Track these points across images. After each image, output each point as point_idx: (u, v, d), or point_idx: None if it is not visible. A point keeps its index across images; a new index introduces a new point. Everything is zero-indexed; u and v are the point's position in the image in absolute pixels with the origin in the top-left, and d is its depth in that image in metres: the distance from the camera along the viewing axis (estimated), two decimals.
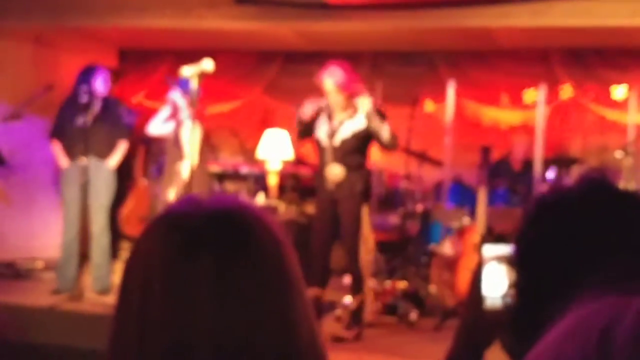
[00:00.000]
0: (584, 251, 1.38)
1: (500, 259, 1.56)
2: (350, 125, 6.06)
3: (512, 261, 1.52)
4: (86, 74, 7.05)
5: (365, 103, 5.93)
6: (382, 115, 6.04)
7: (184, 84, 7.03)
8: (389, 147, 6.11)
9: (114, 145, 7.12)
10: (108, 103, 7.16)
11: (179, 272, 1.08)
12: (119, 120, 7.20)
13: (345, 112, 6.07)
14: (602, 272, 1.32)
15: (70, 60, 8.56)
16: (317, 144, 6.20)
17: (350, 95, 6.03)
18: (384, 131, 5.96)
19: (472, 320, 1.71)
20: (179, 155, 6.61)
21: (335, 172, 6.02)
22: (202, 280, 1.08)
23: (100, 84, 7.03)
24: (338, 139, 6.03)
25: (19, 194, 8.59)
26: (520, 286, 1.48)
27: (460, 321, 1.79)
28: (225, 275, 1.08)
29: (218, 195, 1.20)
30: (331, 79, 6.01)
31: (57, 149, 7.13)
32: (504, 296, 1.57)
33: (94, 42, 9.42)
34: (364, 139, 6.08)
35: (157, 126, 7.18)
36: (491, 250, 1.60)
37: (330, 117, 6.12)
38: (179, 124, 6.88)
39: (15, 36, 8.63)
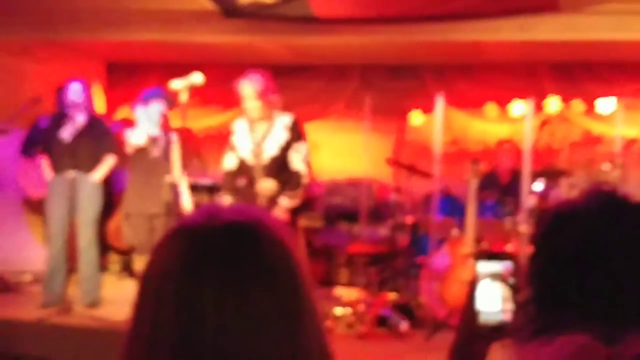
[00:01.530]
0: (598, 264, 1.40)
1: (494, 276, 1.58)
2: (274, 141, 5.92)
3: (505, 278, 1.54)
4: (64, 88, 7.02)
5: (286, 117, 5.92)
6: (298, 134, 5.94)
7: (156, 93, 7.07)
8: (294, 182, 5.89)
9: (99, 159, 7.08)
10: (93, 117, 7.13)
11: (189, 282, 1.10)
12: (104, 135, 7.15)
13: (262, 122, 5.93)
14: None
15: (57, 74, 8.54)
16: (241, 161, 6.02)
17: (268, 105, 5.90)
18: (297, 158, 5.87)
19: (467, 335, 1.73)
20: (162, 168, 6.63)
21: (267, 186, 5.86)
22: (207, 291, 1.09)
23: (76, 95, 6.95)
24: (266, 157, 5.90)
25: (6, 207, 8.56)
26: (534, 297, 1.50)
27: (455, 336, 1.81)
28: (232, 286, 1.10)
29: (236, 207, 1.21)
30: (250, 85, 5.87)
31: (43, 163, 7.08)
32: (499, 312, 1.59)
33: (82, 55, 9.41)
34: (287, 151, 5.94)
35: (139, 137, 7.17)
36: (485, 267, 1.61)
37: (248, 128, 6.00)
38: (162, 137, 6.89)
39: (2, 49, 8.61)
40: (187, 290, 1.10)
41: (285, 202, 5.82)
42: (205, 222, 1.15)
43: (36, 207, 7.98)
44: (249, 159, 5.94)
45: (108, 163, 7.10)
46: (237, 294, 1.10)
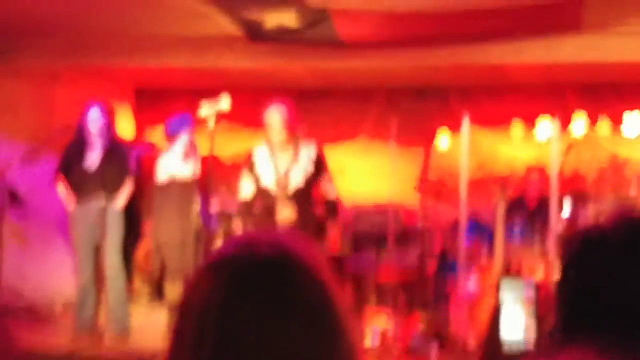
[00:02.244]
0: (627, 292, 1.40)
1: (517, 300, 1.57)
2: (300, 171, 5.96)
3: (530, 302, 1.53)
4: (83, 112, 7.01)
5: (311, 149, 6.03)
6: (324, 165, 6.10)
7: (184, 122, 7.12)
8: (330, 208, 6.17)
9: (120, 185, 7.05)
10: (114, 142, 7.12)
11: (230, 317, 1.11)
12: (125, 160, 7.15)
13: (285, 152, 5.97)
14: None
15: (86, 99, 8.60)
16: (262, 191, 6.01)
17: (292, 134, 5.97)
18: (331, 188, 6.15)
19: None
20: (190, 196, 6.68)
21: (286, 214, 5.87)
22: (250, 327, 1.10)
23: (94, 123, 6.95)
24: (291, 188, 5.92)
25: (36, 234, 8.61)
26: (561, 325, 1.49)
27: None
28: (275, 323, 1.11)
29: (275, 236, 1.22)
30: (278, 113, 5.93)
31: (62, 190, 7.09)
32: (522, 341, 1.58)
33: (110, 81, 9.48)
34: (313, 182, 6.02)
35: (170, 167, 7.24)
36: (509, 293, 1.61)
37: (270, 156, 6.02)
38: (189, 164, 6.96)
39: (32, 76, 8.68)
40: (229, 326, 1.11)
41: (332, 231, 6.02)
42: (245, 255, 1.16)
43: None
44: (272, 188, 5.93)
45: (127, 188, 7.06)
46: (279, 331, 1.11)
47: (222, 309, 1.12)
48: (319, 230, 6.12)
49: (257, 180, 5.99)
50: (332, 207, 6.13)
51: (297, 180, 5.91)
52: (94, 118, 6.91)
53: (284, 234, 1.25)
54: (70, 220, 7.09)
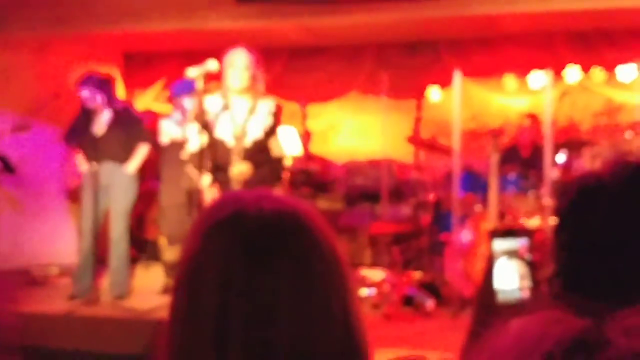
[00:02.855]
0: (626, 238, 1.38)
1: (511, 253, 1.57)
2: (259, 124, 5.55)
3: (522, 255, 1.53)
4: (76, 84, 7.02)
5: (270, 102, 5.60)
6: (279, 121, 5.69)
7: (188, 87, 7.09)
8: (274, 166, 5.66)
9: (131, 150, 7.07)
10: (122, 108, 7.13)
11: (260, 281, 1.11)
12: (135, 124, 7.15)
13: (243, 102, 5.51)
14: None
15: (75, 67, 8.58)
16: (215, 143, 5.52)
17: (254, 81, 5.51)
18: (278, 145, 5.62)
19: (485, 314, 1.72)
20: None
21: (242, 170, 5.45)
22: (282, 286, 1.11)
23: (89, 101, 6.93)
24: (249, 140, 5.49)
25: (30, 201, 8.64)
26: (558, 273, 1.48)
27: (473, 315, 1.80)
28: (302, 277, 1.13)
29: (271, 195, 1.22)
30: (243, 56, 5.48)
31: (79, 158, 7.11)
32: (517, 290, 1.58)
33: (98, 47, 9.45)
34: (271, 136, 5.62)
35: (171, 130, 7.27)
36: (501, 244, 1.60)
37: (226, 106, 5.51)
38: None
39: (20, 46, 8.65)
40: (261, 286, 1.11)
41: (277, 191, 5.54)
42: (251, 212, 1.16)
43: (75, 196, 8.04)
44: (229, 142, 5.49)
45: (142, 152, 7.09)
46: (307, 284, 1.13)
47: (250, 264, 1.12)
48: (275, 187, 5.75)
49: (209, 131, 5.53)
50: (277, 165, 5.66)
51: (256, 132, 5.50)
52: (86, 96, 6.91)
53: (277, 194, 1.25)
54: (82, 184, 7.12)
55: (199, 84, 5.42)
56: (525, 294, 1.57)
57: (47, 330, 6.19)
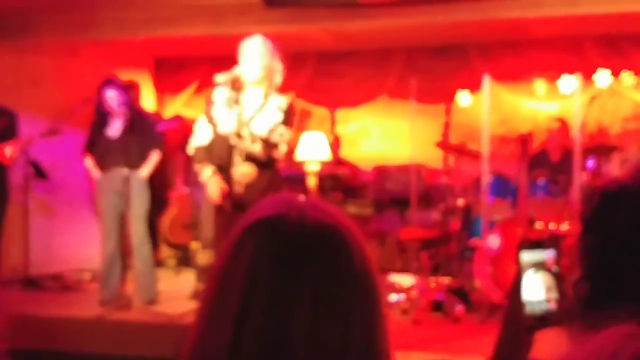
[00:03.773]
0: None
1: (538, 265, 1.57)
2: (265, 121, 5.20)
3: (549, 266, 1.53)
4: (100, 88, 7.08)
5: (283, 99, 5.29)
6: (290, 121, 5.32)
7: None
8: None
9: (146, 156, 7.13)
10: (137, 114, 7.20)
11: (284, 283, 1.12)
12: (149, 131, 7.22)
13: (253, 95, 5.22)
14: None
15: (106, 72, 8.65)
16: (221, 140, 5.22)
17: (270, 73, 5.25)
18: (283, 144, 5.25)
19: (513, 327, 1.72)
20: None
21: (245, 172, 5.17)
22: (305, 293, 1.12)
23: (112, 101, 7.00)
24: (253, 138, 5.14)
25: (62, 207, 8.73)
26: (583, 278, 1.49)
27: (501, 327, 1.80)
28: (327, 289, 1.13)
29: (313, 201, 1.23)
30: (262, 42, 5.27)
31: (89, 162, 7.18)
32: (544, 301, 1.58)
33: (129, 52, 9.53)
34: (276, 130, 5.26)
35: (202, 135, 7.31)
36: (528, 256, 1.61)
37: (234, 99, 5.18)
38: None
39: (51, 51, 8.75)
40: (284, 288, 1.12)
41: (284, 148, 5.24)
42: (292, 218, 1.17)
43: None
44: (231, 138, 5.15)
45: (154, 159, 7.15)
46: (332, 295, 1.13)
47: (277, 271, 1.13)
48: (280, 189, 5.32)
49: (214, 125, 5.26)
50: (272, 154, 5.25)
51: (260, 130, 5.17)
52: (111, 96, 6.98)
53: (320, 200, 1.26)
54: (97, 190, 7.18)
55: (227, 90, 5.29)
56: (552, 306, 1.58)
57: (78, 335, 6.25)
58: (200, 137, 5.31)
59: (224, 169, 5.19)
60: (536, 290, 1.60)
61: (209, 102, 5.35)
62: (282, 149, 5.24)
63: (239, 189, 5.17)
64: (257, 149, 5.10)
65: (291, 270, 1.12)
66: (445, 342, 5.97)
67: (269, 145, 5.14)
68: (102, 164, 7.05)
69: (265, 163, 5.22)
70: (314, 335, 1.10)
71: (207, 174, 5.18)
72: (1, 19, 8.01)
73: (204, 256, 7.36)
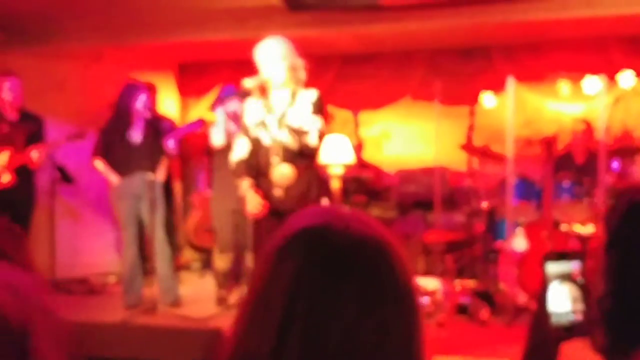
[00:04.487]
0: None
1: (564, 277, 1.57)
2: (298, 115, 5.07)
3: (575, 278, 1.53)
4: (128, 94, 7.13)
5: (312, 92, 5.14)
6: (321, 111, 5.16)
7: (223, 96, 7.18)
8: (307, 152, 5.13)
9: (159, 160, 7.20)
10: (154, 119, 7.25)
11: (329, 292, 1.13)
12: (162, 135, 7.29)
13: (282, 96, 5.11)
14: None
15: (130, 76, 8.70)
16: (260, 148, 5.13)
17: (293, 71, 5.13)
18: (314, 130, 5.08)
19: (540, 338, 1.72)
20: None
21: (285, 173, 5.03)
22: (348, 303, 1.13)
23: (142, 104, 7.08)
24: (288, 135, 5.03)
25: (87, 210, 8.79)
26: (615, 287, 1.48)
27: (527, 338, 1.80)
28: (370, 300, 1.14)
29: (356, 215, 1.24)
30: (276, 44, 5.14)
31: (103, 167, 7.22)
32: (570, 312, 1.58)
33: (154, 57, 9.58)
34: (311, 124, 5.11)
35: (220, 138, 7.32)
36: (554, 268, 1.61)
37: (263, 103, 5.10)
38: (231, 136, 6.94)
39: (75, 56, 8.82)
40: (328, 297, 1.13)
41: (315, 139, 5.08)
42: (338, 228, 1.18)
43: None
44: (265, 140, 5.08)
45: (164, 163, 7.22)
46: (375, 306, 1.14)
47: (320, 283, 1.14)
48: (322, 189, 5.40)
49: (250, 137, 5.18)
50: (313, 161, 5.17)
51: (294, 124, 5.04)
52: (142, 100, 7.04)
53: (362, 213, 1.27)
54: (114, 195, 7.21)
55: (255, 94, 5.23)
56: (578, 317, 1.58)
57: (103, 339, 6.27)
58: (238, 151, 5.24)
59: (263, 174, 5.09)
60: (562, 301, 1.60)
61: (239, 116, 5.35)
62: (314, 134, 5.06)
63: (278, 192, 5.05)
64: (290, 142, 5.02)
65: (336, 279, 1.13)
66: (470, 346, 5.95)
67: (298, 134, 5.02)
68: (122, 169, 7.09)
69: (305, 165, 5.11)
70: (355, 344, 1.11)
71: (244, 187, 5.11)
72: (27, 25, 8.09)
73: (221, 260, 7.38)
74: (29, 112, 7.23)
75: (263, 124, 5.06)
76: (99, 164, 7.22)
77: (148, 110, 7.10)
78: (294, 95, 5.12)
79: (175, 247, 7.65)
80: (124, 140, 7.06)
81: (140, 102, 7.04)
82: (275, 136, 5.03)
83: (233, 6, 7.56)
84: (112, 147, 7.13)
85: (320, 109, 5.14)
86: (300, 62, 5.18)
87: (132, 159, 7.03)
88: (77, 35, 8.21)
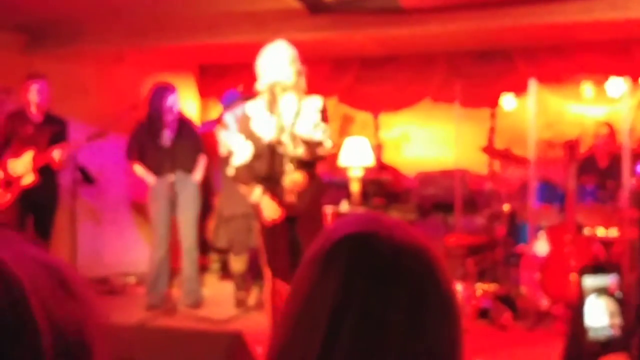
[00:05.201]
0: None
1: (601, 290, 1.55)
2: (306, 123, 5.09)
3: (612, 292, 1.51)
4: (158, 95, 7.20)
5: (316, 99, 5.16)
6: (326, 118, 5.19)
7: (228, 100, 7.20)
8: (321, 157, 5.20)
9: (196, 161, 7.27)
10: (182, 120, 7.32)
11: (376, 300, 1.12)
12: (196, 136, 7.37)
13: (288, 101, 5.08)
14: None
15: (151, 78, 8.73)
16: (266, 152, 5.10)
17: (299, 75, 5.10)
18: (327, 140, 5.13)
19: (577, 352, 1.71)
20: None
21: (296, 179, 5.03)
22: (396, 310, 1.12)
23: (173, 102, 7.15)
24: (299, 144, 5.04)
25: (108, 211, 8.83)
26: None
27: (564, 353, 1.78)
28: (417, 307, 1.13)
29: (399, 222, 1.23)
30: (284, 48, 5.09)
31: (140, 169, 7.29)
32: (607, 327, 1.56)
33: (175, 59, 9.60)
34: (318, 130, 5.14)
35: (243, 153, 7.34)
36: (591, 282, 1.59)
37: (270, 107, 5.06)
38: None
39: (98, 58, 8.86)
40: (376, 305, 1.12)
41: (329, 143, 5.14)
42: (383, 236, 1.17)
43: (142, 209, 8.20)
44: (277, 147, 5.04)
45: (203, 163, 7.29)
46: (422, 313, 1.14)
47: (367, 289, 1.13)
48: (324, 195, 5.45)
49: (255, 141, 5.13)
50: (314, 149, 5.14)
51: (303, 132, 5.06)
52: (172, 99, 7.11)
53: (402, 221, 1.26)
54: (149, 196, 7.28)
55: (265, 97, 5.18)
56: (616, 332, 1.56)
57: (123, 340, 6.26)
58: (240, 156, 5.19)
59: (272, 180, 5.07)
60: (599, 315, 1.57)
61: (243, 119, 5.24)
62: (328, 144, 5.14)
63: (291, 198, 5.04)
64: (300, 152, 5.04)
65: (384, 287, 1.13)
66: (491, 350, 5.93)
67: (311, 145, 5.06)
68: (154, 171, 7.16)
69: (312, 172, 5.13)
70: (404, 350, 1.11)
71: (257, 194, 5.06)
72: (50, 29, 8.13)
73: (236, 262, 7.40)
74: (53, 115, 7.29)
75: (279, 142, 5.03)
76: (138, 168, 7.27)
77: (178, 110, 7.19)
78: (300, 102, 5.11)
79: (202, 249, 7.69)
80: (156, 141, 7.12)
81: (170, 102, 7.10)
82: (289, 151, 5.02)
83: (253, 9, 7.56)
84: (145, 149, 7.19)
85: (326, 116, 5.19)
86: (303, 69, 5.15)
87: (164, 160, 7.09)
88: (98, 38, 8.25)
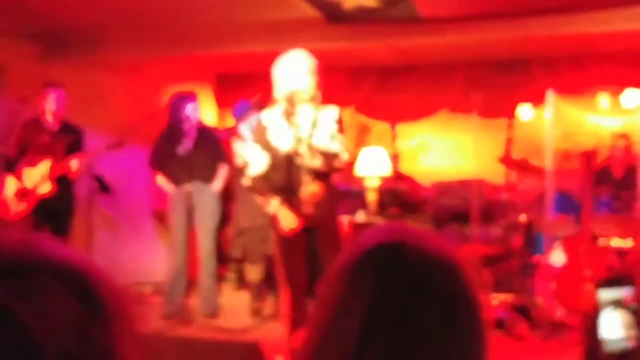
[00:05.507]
0: None
1: (616, 303, 1.57)
2: (323, 134, 5.09)
3: (627, 304, 1.53)
4: (177, 104, 7.22)
5: (333, 109, 5.17)
6: (342, 128, 5.21)
7: (241, 110, 7.23)
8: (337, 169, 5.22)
9: (215, 170, 7.26)
10: (203, 129, 7.32)
11: (408, 310, 1.14)
12: (217, 145, 7.35)
13: (305, 112, 5.07)
14: None
15: (169, 87, 8.78)
16: (278, 162, 5.12)
17: (318, 86, 5.07)
18: (343, 151, 5.16)
19: None
20: None
21: (314, 190, 5.04)
22: (428, 321, 1.13)
23: (192, 111, 7.17)
24: (316, 155, 5.04)
25: (124, 220, 8.86)
26: None
27: None
28: (448, 317, 1.15)
29: (424, 231, 1.25)
30: (304, 57, 5.08)
31: (161, 179, 7.31)
32: (623, 339, 1.58)
33: (192, 68, 9.65)
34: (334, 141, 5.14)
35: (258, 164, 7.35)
36: (607, 294, 1.61)
37: (287, 117, 5.07)
38: None
39: (116, 67, 8.91)
40: (408, 314, 1.13)
41: (345, 154, 5.15)
42: (413, 246, 1.18)
43: (164, 218, 8.23)
44: (295, 158, 5.05)
45: (224, 172, 7.28)
46: (453, 322, 1.15)
47: (399, 299, 1.14)
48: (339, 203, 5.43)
49: (271, 151, 5.11)
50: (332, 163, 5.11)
51: (321, 143, 5.05)
52: (193, 110, 7.13)
53: (432, 232, 1.28)
54: (170, 205, 7.29)
55: (286, 106, 5.11)
56: (632, 344, 1.57)
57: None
58: (256, 166, 5.18)
59: (289, 191, 5.07)
60: (615, 328, 1.59)
61: (259, 129, 5.22)
62: (344, 156, 5.16)
63: (308, 209, 5.05)
64: (317, 163, 5.04)
65: (415, 297, 1.14)
66: None
67: (328, 157, 5.05)
68: (173, 180, 7.18)
69: (328, 183, 5.13)
70: (435, 359, 1.13)
71: (274, 205, 5.06)
72: (68, 37, 8.19)
73: (252, 272, 7.41)
74: (70, 124, 7.30)
75: (296, 153, 5.03)
76: (159, 178, 7.30)
77: (198, 119, 7.20)
78: (316, 112, 5.10)
79: (219, 258, 7.70)
80: (175, 151, 7.13)
81: (189, 111, 7.12)
82: (306, 162, 5.03)
83: (272, 19, 7.59)
84: (165, 158, 7.21)
85: (342, 126, 5.20)
86: (320, 81, 5.13)
87: (181, 170, 7.11)
88: (116, 47, 8.30)
